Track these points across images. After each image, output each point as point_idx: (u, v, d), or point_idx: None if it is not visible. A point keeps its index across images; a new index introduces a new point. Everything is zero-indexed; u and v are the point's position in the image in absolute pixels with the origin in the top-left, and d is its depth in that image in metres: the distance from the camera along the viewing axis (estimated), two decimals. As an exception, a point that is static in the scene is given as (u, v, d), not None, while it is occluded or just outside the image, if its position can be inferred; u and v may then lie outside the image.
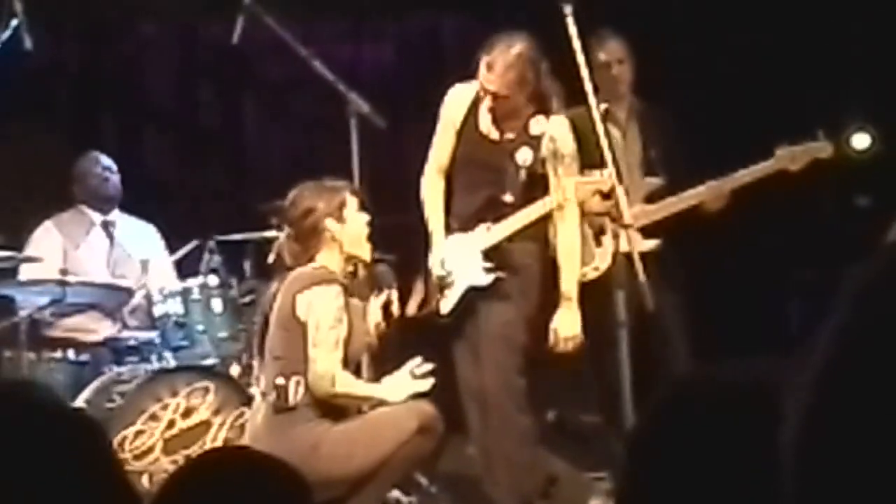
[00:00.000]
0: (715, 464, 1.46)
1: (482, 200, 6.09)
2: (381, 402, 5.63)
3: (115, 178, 7.48)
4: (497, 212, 6.04)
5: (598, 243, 6.50)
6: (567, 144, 6.05)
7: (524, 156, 6.03)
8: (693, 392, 1.56)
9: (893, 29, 7.37)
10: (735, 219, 6.70)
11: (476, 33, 6.55)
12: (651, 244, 6.57)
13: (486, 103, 6.08)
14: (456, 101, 6.19)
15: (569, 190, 5.90)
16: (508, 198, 6.01)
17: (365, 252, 5.74)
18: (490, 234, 6.04)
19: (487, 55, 5.97)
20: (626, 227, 5.75)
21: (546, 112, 6.07)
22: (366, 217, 5.72)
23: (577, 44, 5.63)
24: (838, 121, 6.82)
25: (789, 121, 6.81)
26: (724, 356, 1.65)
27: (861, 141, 6.69)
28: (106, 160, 7.50)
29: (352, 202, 5.70)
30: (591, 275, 6.30)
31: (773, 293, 7.88)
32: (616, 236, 5.94)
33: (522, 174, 6.02)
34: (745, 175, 6.56)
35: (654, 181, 6.71)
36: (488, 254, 6.04)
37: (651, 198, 6.69)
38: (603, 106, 6.79)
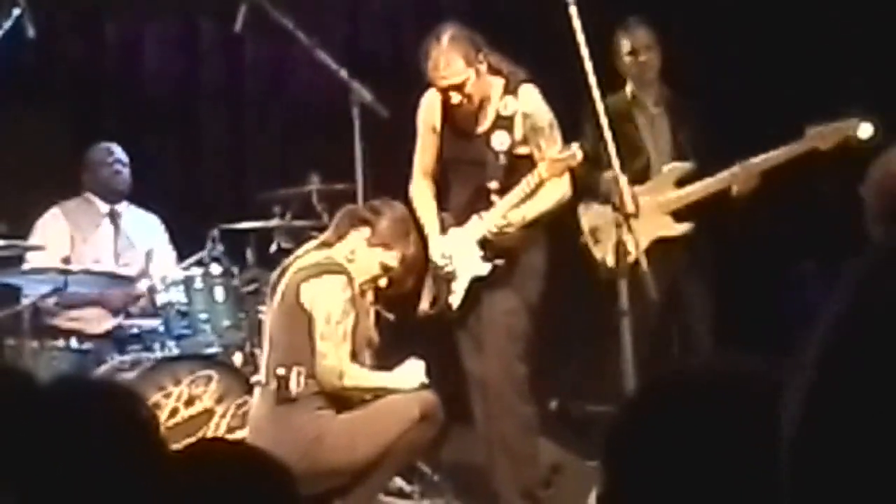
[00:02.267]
0: (690, 456, 1.46)
1: (471, 193, 6.10)
2: (390, 391, 5.62)
3: (126, 172, 7.49)
4: (486, 201, 6.04)
5: (629, 229, 6.50)
6: (542, 116, 6.05)
7: (500, 139, 6.03)
8: (668, 385, 1.56)
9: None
10: (736, 210, 6.70)
11: (481, 23, 6.52)
12: (683, 228, 6.62)
13: (455, 103, 6.09)
14: (431, 105, 6.22)
15: (542, 169, 5.90)
16: (493, 185, 6.01)
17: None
18: (482, 222, 6.04)
19: (427, 59, 5.99)
20: (627, 216, 5.74)
21: (511, 91, 6.07)
22: (381, 254, 5.73)
23: (580, 37, 5.61)
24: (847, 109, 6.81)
25: (816, 106, 6.80)
26: (729, 347, 1.66)
27: (863, 130, 6.67)
28: (119, 152, 7.50)
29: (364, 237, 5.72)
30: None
31: (772, 284, 7.88)
32: (619, 225, 5.93)
33: (502, 158, 6.02)
34: (776, 156, 6.56)
35: (685, 165, 6.73)
36: (484, 244, 6.04)
37: (682, 182, 6.70)
38: (629, 90, 6.83)
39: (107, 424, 1.97)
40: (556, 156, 5.89)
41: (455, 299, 6.13)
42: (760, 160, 6.58)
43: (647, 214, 6.43)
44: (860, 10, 7.44)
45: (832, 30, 7.60)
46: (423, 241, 6.03)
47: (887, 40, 7.38)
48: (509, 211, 5.98)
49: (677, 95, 6.91)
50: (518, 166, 6.03)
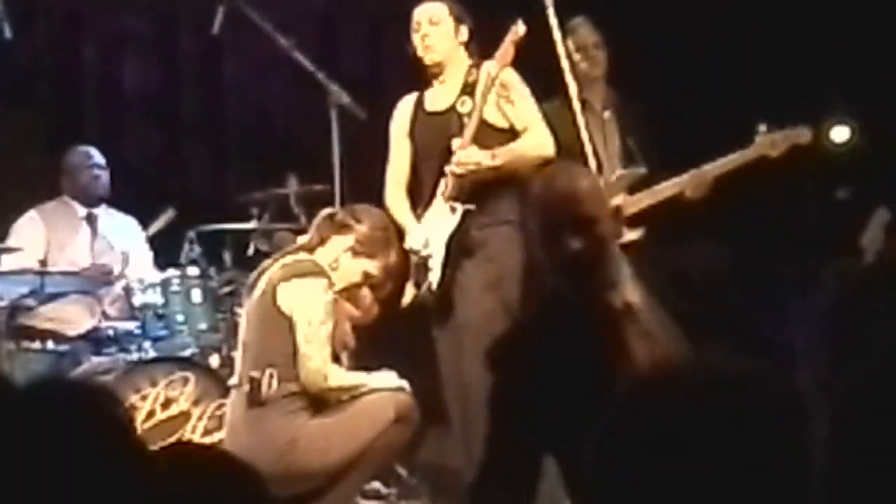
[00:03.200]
0: (673, 455, 1.47)
1: (440, 176, 6.10)
2: (371, 391, 5.62)
3: (105, 176, 7.48)
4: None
5: None
6: (509, 73, 6.07)
7: (463, 100, 6.09)
8: (649, 387, 1.56)
9: (872, 21, 7.40)
10: (714, 212, 6.71)
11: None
12: (634, 235, 6.59)
13: (431, 87, 6.18)
14: (402, 111, 6.30)
15: (490, 68, 5.96)
16: (456, 142, 6.01)
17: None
18: (456, 215, 6.02)
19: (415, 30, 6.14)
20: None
21: (475, 66, 6.16)
22: (365, 263, 5.74)
23: (557, 35, 5.63)
24: (818, 113, 6.83)
25: (770, 111, 6.82)
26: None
27: (840, 134, 6.70)
28: (98, 156, 7.50)
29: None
30: None
31: (750, 288, 7.88)
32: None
33: (466, 121, 6.03)
34: (726, 162, 6.55)
35: (636, 171, 6.72)
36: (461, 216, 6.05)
37: (632, 188, 6.71)
38: (580, 96, 6.81)
39: (83, 426, 1.97)
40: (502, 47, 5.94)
41: (434, 277, 6.09)
42: (711, 167, 6.57)
43: None
44: (811, 10, 7.45)
45: (785, 29, 7.61)
46: (402, 246, 6.02)
47: (841, 39, 7.40)
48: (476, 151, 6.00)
49: (624, 98, 6.87)
50: (487, 136, 6.04)
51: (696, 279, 6.48)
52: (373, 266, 5.72)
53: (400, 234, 6.07)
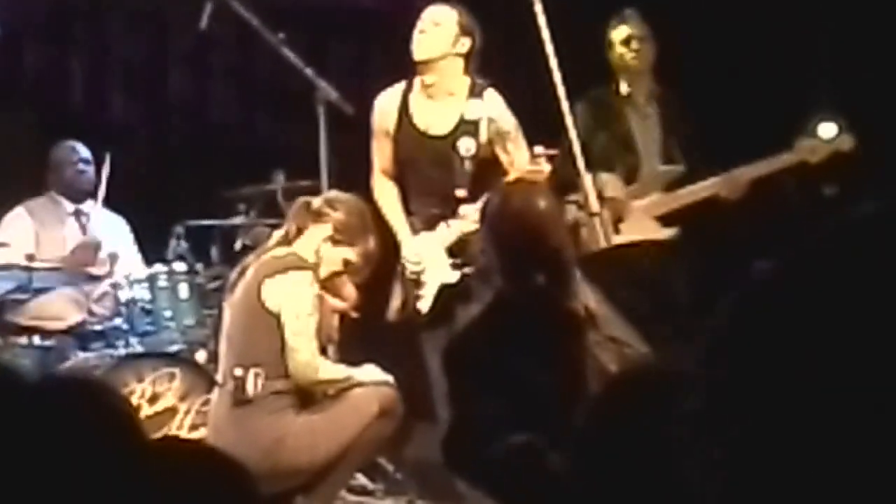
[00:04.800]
0: (657, 451, 1.47)
1: (438, 198, 6.06)
2: (357, 384, 5.62)
3: (91, 171, 7.47)
4: (453, 207, 5.99)
5: (616, 230, 6.50)
6: (507, 120, 6.03)
7: (466, 145, 5.99)
8: (633, 382, 1.57)
9: (860, 17, 7.41)
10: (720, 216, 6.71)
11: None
12: (668, 233, 6.56)
13: (418, 91, 6.09)
14: (384, 109, 6.19)
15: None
16: (461, 192, 5.96)
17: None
18: (450, 230, 6.01)
19: (417, 28, 6.06)
20: (592, 215, 5.75)
21: (477, 94, 6.06)
22: (344, 251, 5.72)
23: (545, 34, 5.63)
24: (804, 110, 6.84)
25: (806, 111, 6.83)
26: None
27: (827, 130, 6.70)
28: (83, 151, 7.49)
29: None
30: None
31: (734, 284, 7.88)
32: (583, 224, 5.93)
33: (468, 165, 5.97)
34: (765, 166, 6.55)
35: (675, 168, 6.70)
36: (453, 251, 6.02)
37: (670, 186, 6.67)
38: (623, 86, 6.78)
39: (90, 420, 1.97)
40: (524, 167, 5.83)
41: (424, 305, 6.10)
42: (749, 169, 6.56)
43: (633, 216, 6.43)
44: (860, 12, 7.45)
45: (827, 33, 7.61)
46: (383, 237, 6.01)
47: (829, 35, 7.39)
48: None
49: (669, 93, 6.83)
50: (484, 172, 6.00)
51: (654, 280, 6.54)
52: (352, 253, 5.72)
53: (388, 229, 6.07)
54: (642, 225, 6.55)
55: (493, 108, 6.02)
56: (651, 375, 1.58)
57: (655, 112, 6.82)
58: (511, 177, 5.81)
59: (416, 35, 6.06)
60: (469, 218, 5.93)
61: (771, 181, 6.60)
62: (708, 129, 6.71)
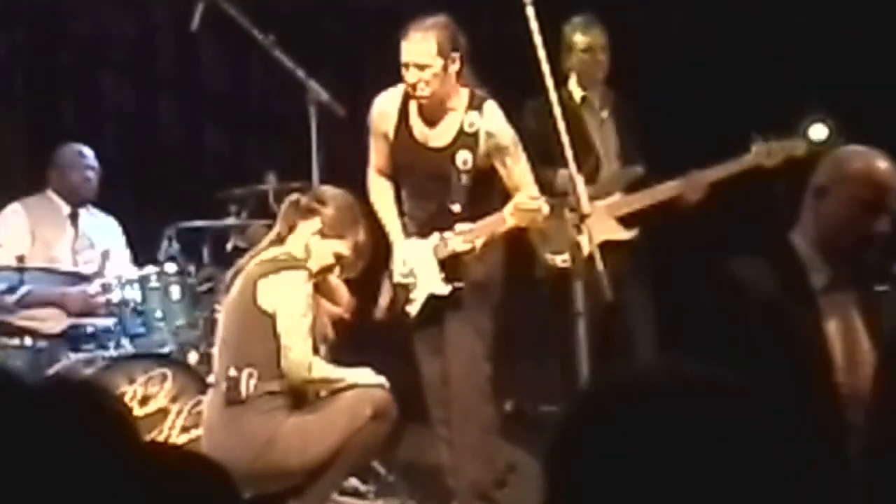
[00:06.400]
0: (636, 463, 1.47)
1: (433, 208, 6.03)
2: (350, 386, 5.62)
3: (95, 179, 7.47)
4: (447, 221, 5.97)
5: (578, 230, 6.52)
6: (506, 135, 5.97)
7: (463, 158, 5.96)
8: (612, 391, 1.56)
9: (850, 18, 7.43)
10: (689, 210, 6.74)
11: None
12: (630, 234, 6.66)
13: (415, 105, 6.03)
14: (383, 112, 6.10)
15: (507, 214, 5.86)
16: (456, 208, 5.95)
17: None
18: (444, 245, 5.98)
19: (405, 34, 5.90)
20: (583, 217, 5.75)
21: (475, 107, 5.99)
22: (335, 244, 5.72)
23: (537, 37, 5.61)
24: (801, 114, 6.86)
25: (761, 113, 6.88)
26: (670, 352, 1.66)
27: (818, 132, 6.72)
28: (91, 157, 7.47)
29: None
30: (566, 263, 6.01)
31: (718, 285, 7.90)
32: (574, 226, 5.93)
33: (465, 179, 5.94)
34: (722, 169, 6.65)
35: (635, 170, 6.78)
36: (445, 265, 6.01)
37: (629, 188, 6.75)
38: (578, 91, 6.83)
39: (82, 422, 1.98)
40: (523, 204, 5.81)
41: (412, 309, 6.10)
42: (708, 172, 6.66)
43: (595, 217, 6.46)
44: (816, 14, 7.48)
45: (783, 34, 7.63)
46: (375, 235, 6.00)
47: (842, 43, 7.42)
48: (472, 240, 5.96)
49: (622, 99, 6.91)
50: (479, 185, 5.98)
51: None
52: (343, 246, 5.73)
53: (381, 228, 6.07)
54: (604, 225, 6.59)
55: (492, 122, 5.97)
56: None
57: (610, 116, 6.91)
58: (508, 212, 5.82)
59: (406, 76, 5.91)
60: (464, 236, 5.93)
61: (729, 183, 6.64)
62: (666, 133, 6.78)
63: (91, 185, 7.46)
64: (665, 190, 6.69)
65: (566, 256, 6.31)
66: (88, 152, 7.49)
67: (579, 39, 6.81)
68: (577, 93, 6.88)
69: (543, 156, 6.03)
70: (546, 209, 5.78)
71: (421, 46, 5.86)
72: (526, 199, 5.83)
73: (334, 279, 5.93)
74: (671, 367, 1.55)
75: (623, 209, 6.72)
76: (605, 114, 6.91)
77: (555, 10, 6.47)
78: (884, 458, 1.12)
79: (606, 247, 6.50)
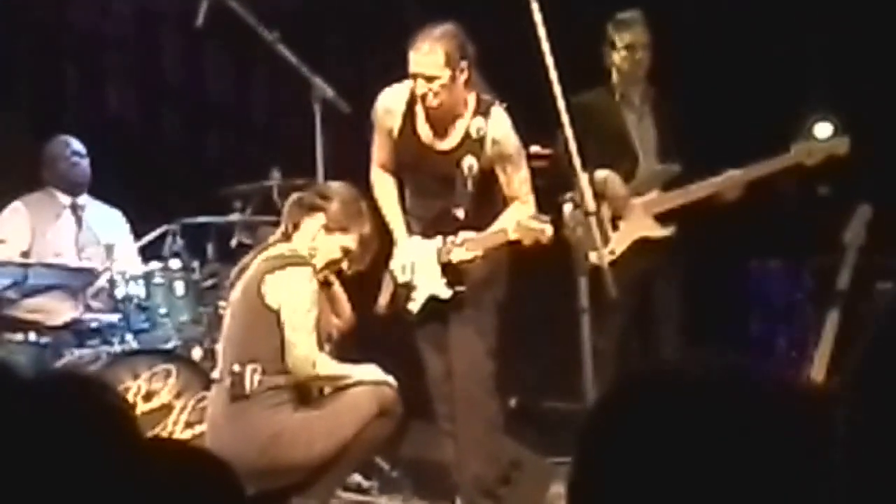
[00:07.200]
0: (666, 454, 1.47)
1: (437, 210, 6.03)
2: (355, 383, 5.62)
3: (85, 163, 7.48)
4: (450, 226, 5.97)
5: (615, 227, 6.56)
6: (510, 143, 5.94)
7: (469, 163, 5.93)
8: (646, 382, 1.57)
9: (855, 17, 7.42)
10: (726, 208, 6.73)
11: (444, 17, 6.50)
12: (666, 231, 6.64)
13: (422, 109, 5.99)
14: (389, 109, 6.06)
15: (510, 229, 5.85)
16: (460, 213, 5.94)
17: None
18: (447, 251, 5.97)
19: (413, 44, 5.86)
20: (588, 214, 5.75)
21: (482, 112, 5.96)
22: (340, 238, 5.73)
23: (542, 32, 5.61)
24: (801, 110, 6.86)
25: (799, 111, 6.86)
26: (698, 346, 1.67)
27: (823, 130, 6.72)
28: (76, 144, 7.49)
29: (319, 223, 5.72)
30: (608, 258, 5.98)
31: (732, 282, 7.91)
32: (581, 223, 5.93)
33: (469, 184, 5.93)
34: (762, 168, 6.62)
35: (671, 168, 6.75)
36: (446, 269, 6.00)
37: (666, 185, 6.72)
38: (618, 88, 6.81)
39: (85, 417, 1.98)
40: (528, 223, 5.79)
41: (413, 307, 6.10)
42: (746, 171, 6.63)
43: (632, 214, 6.51)
44: (858, 13, 7.46)
45: (821, 34, 7.62)
46: (379, 230, 5.99)
47: (825, 36, 7.40)
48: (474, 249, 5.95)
49: (663, 96, 6.86)
50: (483, 190, 5.96)
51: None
52: (349, 240, 5.73)
53: (384, 225, 6.07)
54: (641, 223, 6.61)
55: (498, 129, 5.94)
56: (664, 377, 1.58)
57: (650, 113, 6.85)
58: (512, 228, 5.81)
59: (416, 87, 5.88)
60: (466, 246, 5.92)
61: (768, 182, 6.65)
62: (703, 131, 6.74)
63: (80, 169, 7.46)
64: (703, 188, 6.65)
65: (611, 249, 6.36)
66: (72, 140, 7.51)
67: (620, 37, 6.77)
68: (619, 89, 6.84)
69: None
70: (550, 231, 5.76)
71: (429, 58, 5.82)
72: (532, 218, 5.81)
73: (338, 290, 5.91)
74: (701, 360, 1.55)
75: (659, 206, 6.68)
76: (645, 109, 6.86)
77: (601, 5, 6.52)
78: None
79: (642, 243, 6.57)
